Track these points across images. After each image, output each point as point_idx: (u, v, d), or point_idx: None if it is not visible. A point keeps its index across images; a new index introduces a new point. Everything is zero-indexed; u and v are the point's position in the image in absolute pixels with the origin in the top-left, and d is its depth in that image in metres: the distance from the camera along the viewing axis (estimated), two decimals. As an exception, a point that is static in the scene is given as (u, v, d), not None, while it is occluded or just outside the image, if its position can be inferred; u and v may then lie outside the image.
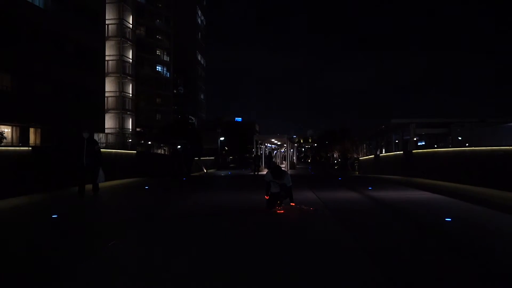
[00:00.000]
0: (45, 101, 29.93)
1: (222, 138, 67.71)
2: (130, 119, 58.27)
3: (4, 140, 23.86)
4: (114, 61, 54.88)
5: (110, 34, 53.03)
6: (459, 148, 16.60)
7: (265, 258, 4.70)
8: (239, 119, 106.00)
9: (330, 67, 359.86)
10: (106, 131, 45.30)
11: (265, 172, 15.31)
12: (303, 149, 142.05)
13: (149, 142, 56.38)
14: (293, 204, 8.52)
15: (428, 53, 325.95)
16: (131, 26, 58.01)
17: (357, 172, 37.38)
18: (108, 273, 4.14)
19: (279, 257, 4.78)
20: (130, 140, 51.08)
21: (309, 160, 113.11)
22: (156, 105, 72.67)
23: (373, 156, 33.09)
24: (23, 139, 28.85)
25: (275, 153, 53.61)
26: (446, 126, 40.72)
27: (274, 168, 8.87)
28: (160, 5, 73.61)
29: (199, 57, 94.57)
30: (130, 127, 58.13)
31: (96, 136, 32.91)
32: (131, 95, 58.21)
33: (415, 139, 42.82)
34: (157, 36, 73.40)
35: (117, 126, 55.28)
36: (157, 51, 73.85)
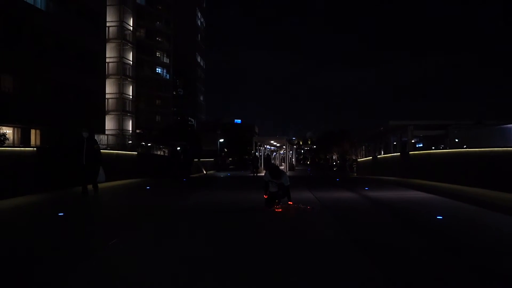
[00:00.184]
0: (46, 103, 30.17)
1: (221, 140, 67.99)
2: (130, 121, 58.58)
3: (7, 141, 24.12)
4: (114, 63, 55.24)
5: (110, 36, 53.39)
6: (454, 150, 16.92)
7: (264, 252, 5.00)
8: (239, 121, 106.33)
9: (330, 68, 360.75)
10: (107, 132, 45.57)
11: (263, 174, 15.61)
12: (302, 151, 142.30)
13: (149, 144, 56.67)
14: (291, 203, 8.80)
15: (428, 53, 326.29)
16: (131, 28, 58.38)
17: (355, 174, 37.67)
18: (115, 268, 4.43)
19: (277, 250, 5.08)
20: (130, 142, 51.34)
21: (308, 162, 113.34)
22: (156, 106, 73.03)
23: (371, 158, 33.39)
24: (24, 140, 29.10)
25: (274, 155, 53.95)
26: (444, 128, 41.03)
27: (272, 168, 9.18)
28: (160, 7, 74.06)
29: (198, 59, 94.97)
30: (130, 129, 58.44)
31: (96, 137, 33.12)
32: (131, 96, 58.53)
33: (413, 141, 43.21)
34: (157, 38, 73.83)
35: (117, 128, 55.57)
36: (157, 53, 74.26)
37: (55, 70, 31.02)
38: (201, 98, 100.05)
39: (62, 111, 31.31)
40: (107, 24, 45.64)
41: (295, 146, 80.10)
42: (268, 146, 50.98)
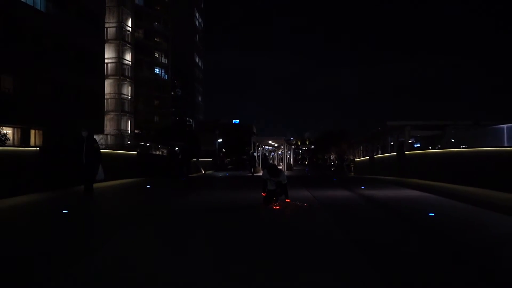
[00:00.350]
0: (45, 103, 30.39)
1: (219, 140, 68.25)
2: (129, 121, 58.80)
3: (8, 141, 24.34)
4: (113, 64, 55.47)
5: (109, 37, 53.60)
6: (448, 150, 17.23)
7: (263, 245, 5.29)
8: (237, 121, 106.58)
9: (329, 68, 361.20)
10: (105, 132, 45.79)
11: (261, 174, 15.87)
12: (300, 151, 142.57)
13: (148, 144, 56.90)
14: (288, 200, 9.09)
15: (428, 54, 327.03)
16: (130, 29, 58.61)
17: (352, 174, 37.98)
18: (118, 262, 4.70)
19: (275, 243, 5.38)
20: (129, 142, 51.58)
21: (306, 162, 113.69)
22: (154, 107, 73.25)
23: (368, 157, 33.70)
24: (24, 140, 29.32)
25: (272, 155, 54.26)
26: (442, 128, 41.42)
27: (270, 166, 9.47)
28: (158, 8, 74.27)
29: (196, 59, 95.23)
30: (129, 129, 58.66)
31: (95, 137, 33.33)
32: (130, 97, 58.76)
33: (410, 141, 43.49)
34: (155, 39, 74.04)
35: (116, 128, 55.80)
36: (155, 54, 74.48)
37: (54, 70, 31.24)
38: (199, 98, 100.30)
39: (62, 112, 31.52)
40: (106, 25, 45.85)
41: (293, 146, 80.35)
42: (266, 146, 51.28)
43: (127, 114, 58.08)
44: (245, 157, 62.55)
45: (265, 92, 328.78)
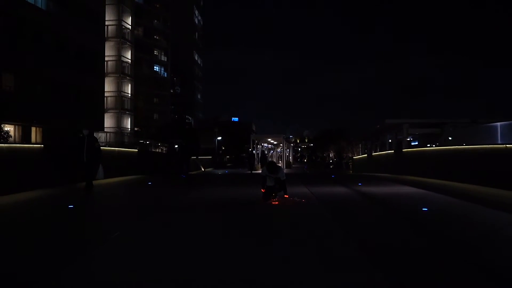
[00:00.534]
0: (46, 101, 30.66)
1: (219, 138, 68.51)
2: (129, 119, 59.03)
3: (10, 138, 24.58)
4: (113, 62, 55.64)
5: (109, 35, 53.76)
6: (443, 147, 17.54)
7: (263, 236, 5.59)
8: (236, 119, 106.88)
9: (329, 67, 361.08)
10: (106, 130, 46.06)
11: (260, 171, 16.16)
12: (299, 149, 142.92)
13: (147, 141, 57.16)
14: (287, 196, 9.38)
15: (428, 54, 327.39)
16: (130, 27, 58.77)
17: (351, 171, 38.30)
18: (123, 253, 4.99)
19: (274, 235, 5.67)
20: (130, 139, 51.82)
21: (305, 160, 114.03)
22: (154, 104, 73.48)
23: (366, 155, 34.01)
24: (25, 137, 29.58)
25: (271, 153, 54.56)
26: (440, 126, 41.64)
27: (269, 163, 9.75)
28: (157, 6, 74.44)
29: (196, 57, 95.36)
30: (129, 127, 58.89)
31: (95, 135, 33.63)
32: (129, 95, 58.98)
33: (409, 139, 43.81)
34: (155, 37, 74.23)
35: (116, 126, 56.04)
36: (155, 51, 74.67)
37: (55, 68, 31.48)
38: (199, 96, 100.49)
39: (62, 109, 31.80)
40: (106, 23, 46.06)
41: (292, 144, 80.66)
42: (265, 144, 51.56)
43: (127, 112, 58.31)
44: (244, 155, 62.89)
45: (264, 90, 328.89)
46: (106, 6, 44.91)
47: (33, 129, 30.99)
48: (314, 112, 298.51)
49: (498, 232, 6.05)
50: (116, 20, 55.55)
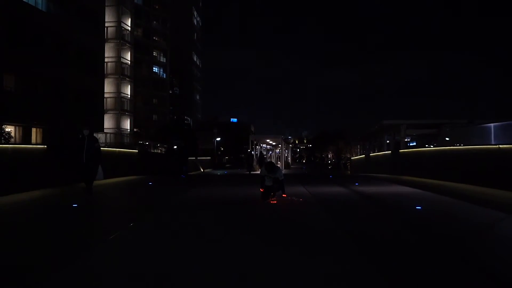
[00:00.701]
0: (46, 101, 30.86)
1: (218, 139, 68.72)
2: (128, 120, 59.22)
3: (11, 139, 24.79)
4: (113, 63, 55.85)
5: (109, 36, 53.96)
6: (440, 148, 17.80)
7: (262, 232, 5.86)
8: (235, 119, 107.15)
9: (328, 68, 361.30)
10: (105, 131, 46.25)
11: (258, 172, 16.44)
12: (298, 150, 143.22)
13: (147, 142, 57.37)
14: (285, 195, 9.65)
15: (428, 55, 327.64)
16: (129, 28, 58.99)
17: (349, 172, 38.56)
18: (130, 248, 5.26)
19: (272, 231, 5.94)
20: (129, 140, 52.03)
21: (304, 161, 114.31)
22: (153, 105, 73.73)
23: (364, 156, 34.28)
24: (25, 138, 29.77)
25: (270, 154, 54.84)
26: (437, 127, 41.95)
27: (268, 163, 10.01)
28: (157, 7, 74.74)
29: (195, 58, 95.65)
30: (128, 127, 59.08)
31: (95, 136, 33.79)
32: (129, 96, 59.19)
33: (407, 139, 44.14)
34: (154, 38, 74.53)
35: (116, 126, 56.24)
36: (154, 52, 74.94)
37: (55, 69, 31.69)
38: (197, 97, 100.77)
39: (62, 110, 32.01)
40: (106, 24, 46.27)
41: (291, 145, 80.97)
42: (264, 145, 51.82)
43: (126, 113, 58.52)
44: (242, 155, 63.13)
45: (263, 90, 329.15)
46: (106, 8, 45.13)
47: (33, 130, 31.17)
48: (313, 113, 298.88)
49: (485, 229, 6.33)
50: (115, 21, 55.78)
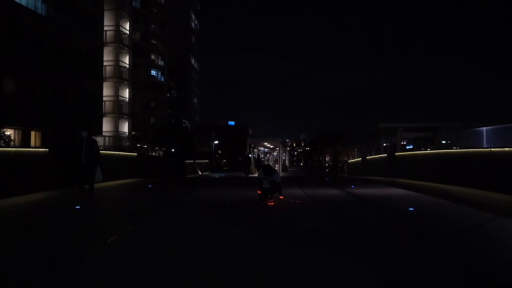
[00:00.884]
0: (45, 105, 31.06)
1: (216, 142, 68.94)
2: (126, 123, 59.44)
3: (11, 143, 25.00)
4: (111, 66, 56.13)
5: (107, 40, 54.22)
6: (434, 151, 18.10)
7: (259, 231, 6.12)
8: (232, 123, 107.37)
9: (326, 70, 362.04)
10: (103, 134, 46.43)
11: (256, 175, 16.70)
12: (295, 153, 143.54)
13: (145, 145, 57.55)
14: (282, 197, 9.93)
15: (429, 54, 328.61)
16: (128, 32, 59.28)
17: (345, 174, 38.86)
18: (134, 246, 5.53)
19: (270, 230, 6.21)
20: (128, 143, 52.21)
21: (301, 164, 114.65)
22: (151, 109, 73.96)
23: (360, 159, 34.59)
24: (24, 141, 29.97)
25: (268, 157, 55.11)
26: (433, 130, 42.28)
27: (265, 166, 10.30)
28: (155, 10, 75.05)
29: (192, 61, 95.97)
30: (126, 131, 59.29)
31: (95, 139, 33.91)
32: (127, 99, 59.44)
33: (403, 142, 44.50)
34: (152, 41, 74.83)
35: (114, 130, 56.44)
36: (152, 56, 75.23)
37: (54, 73, 31.92)
38: (195, 100, 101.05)
39: (61, 113, 32.21)
40: (105, 28, 46.55)
41: (288, 148, 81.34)
42: (262, 148, 52.08)
43: (124, 116, 58.75)
44: (240, 158, 63.37)
45: (261, 93, 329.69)
46: (105, 12, 45.44)
47: (33, 133, 31.38)
48: (311, 116, 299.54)
49: (473, 229, 6.61)
50: (114, 25, 56.05)
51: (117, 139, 52.52)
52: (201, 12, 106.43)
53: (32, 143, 30.95)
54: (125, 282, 3.85)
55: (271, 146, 50.96)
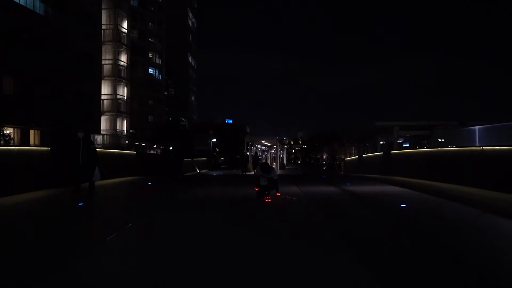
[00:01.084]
0: (44, 104, 31.25)
1: (214, 140, 69.15)
2: (125, 121, 59.61)
3: (11, 141, 25.20)
4: (109, 65, 56.27)
5: (105, 38, 54.40)
6: (428, 149, 18.44)
7: (258, 227, 6.41)
8: (230, 121, 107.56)
9: (324, 69, 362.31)
10: (102, 132, 46.65)
11: (253, 173, 16.98)
12: (293, 151, 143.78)
13: (143, 144, 57.72)
14: (279, 194, 10.23)
15: (428, 53, 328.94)
16: (125, 31, 59.40)
17: (342, 172, 39.20)
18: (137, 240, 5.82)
19: (267, 226, 6.50)
20: (127, 142, 52.40)
21: (298, 161, 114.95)
22: (149, 107, 74.13)
23: (357, 157, 34.91)
24: (23, 140, 30.15)
25: (265, 154, 55.40)
26: (429, 128, 42.62)
27: (262, 164, 10.59)
28: (152, 9, 75.13)
29: (190, 59, 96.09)
30: (124, 129, 59.47)
31: (92, 137, 34.11)
32: (125, 97, 59.60)
33: (400, 140, 44.84)
34: (150, 39, 74.91)
35: (112, 128, 56.62)
36: (150, 54, 75.32)
37: (53, 72, 32.08)
38: (193, 98, 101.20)
39: (60, 112, 32.40)
40: (103, 27, 46.76)
41: (286, 146, 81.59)
42: (259, 146, 52.36)
43: (122, 115, 58.93)
44: (238, 156, 63.60)
45: (259, 92, 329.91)
46: (103, 10, 45.62)
47: (32, 132, 31.57)
48: (310, 114, 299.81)
49: (462, 224, 6.92)
50: (112, 24, 56.18)
51: (115, 137, 52.66)
52: (200, 11, 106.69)
53: (31, 141, 31.13)
54: (125, 280, 3.90)
55: (269, 144, 51.24)
